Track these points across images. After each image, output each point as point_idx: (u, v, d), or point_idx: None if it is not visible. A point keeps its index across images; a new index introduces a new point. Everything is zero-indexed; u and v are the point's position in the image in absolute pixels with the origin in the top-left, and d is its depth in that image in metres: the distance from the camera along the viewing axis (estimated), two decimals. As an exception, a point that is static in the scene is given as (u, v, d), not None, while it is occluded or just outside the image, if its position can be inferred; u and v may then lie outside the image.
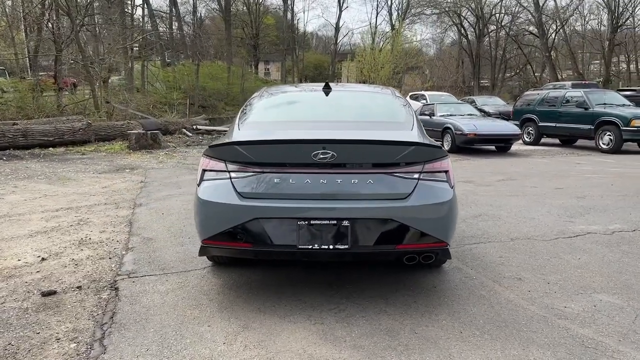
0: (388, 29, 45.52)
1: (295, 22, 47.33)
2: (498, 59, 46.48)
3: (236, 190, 3.06)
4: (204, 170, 3.22)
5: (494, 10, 44.59)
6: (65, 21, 18.44)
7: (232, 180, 3.10)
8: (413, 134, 3.36)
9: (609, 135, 12.02)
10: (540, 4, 38.25)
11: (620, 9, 38.28)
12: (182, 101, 22.14)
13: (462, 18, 45.79)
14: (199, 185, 3.21)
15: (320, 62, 52.09)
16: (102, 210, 5.92)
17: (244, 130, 3.47)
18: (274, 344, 2.76)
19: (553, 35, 41.06)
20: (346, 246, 2.97)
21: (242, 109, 4.01)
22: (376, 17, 77.26)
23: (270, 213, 2.99)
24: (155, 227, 5.20)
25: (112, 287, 3.62)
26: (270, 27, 45.74)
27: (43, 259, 4.23)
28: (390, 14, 46.98)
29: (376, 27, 45.70)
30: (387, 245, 3.01)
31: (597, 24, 41.74)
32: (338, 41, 46.72)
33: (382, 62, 25.51)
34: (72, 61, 18.10)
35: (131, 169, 9.43)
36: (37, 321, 3.04)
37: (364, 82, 25.69)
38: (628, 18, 39.18)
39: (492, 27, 46.04)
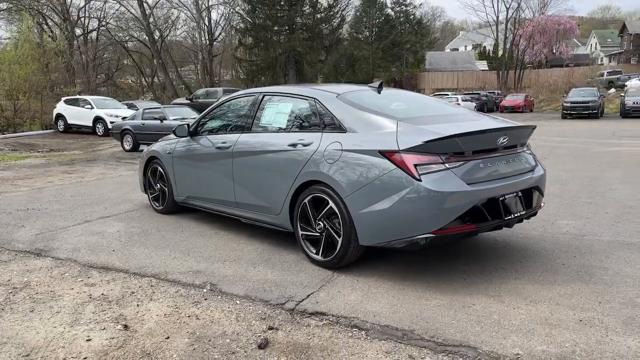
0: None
1: None
2: (90, 64, 45.20)
3: (461, 178, 3.37)
4: (416, 165, 3.32)
5: (80, 13, 43.34)
6: None
7: (452, 170, 3.37)
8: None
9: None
10: (147, 13, 39.77)
11: (214, 24, 44.03)
12: None
13: (46, 17, 42.27)
14: (418, 180, 3.28)
15: None
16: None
17: (419, 125, 3.58)
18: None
19: (160, 43, 43.38)
20: (523, 212, 3.77)
21: (339, 109, 3.90)
22: None
23: (488, 194, 3.47)
24: (160, 261, 4.13)
25: (307, 313, 3.14)
26: None
27: (126, 327, 3.03)
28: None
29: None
30: (533, 207, 3.96)
31: (198, 36, 46.42)
32: None
33: (13, 59, 21.38)
34: None
35: None
36: None
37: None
38: (220, 34, 45.40)
39: (82, 30, 44.54)
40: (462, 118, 4.04)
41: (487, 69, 54.18)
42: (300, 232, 4.03)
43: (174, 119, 12.81)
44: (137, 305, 3.34)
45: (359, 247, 3.66)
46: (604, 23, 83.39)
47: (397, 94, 4.74)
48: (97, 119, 19.22)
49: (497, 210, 3.55)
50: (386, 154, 3.43)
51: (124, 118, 16.25)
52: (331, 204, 3.72)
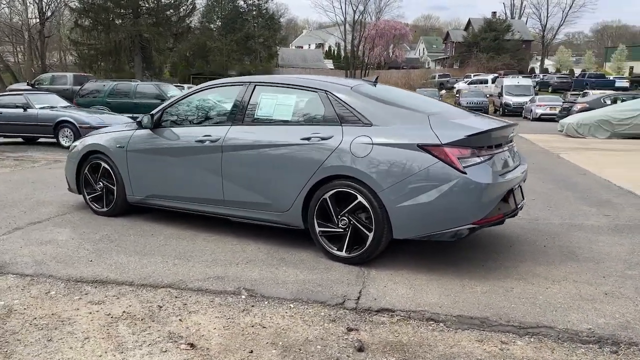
0: None
1: None
2: None
3: (494, 171, 3.56)
4: (459, 159, 3.42)
5: None
6: None
7: (486, 163, 3.55)
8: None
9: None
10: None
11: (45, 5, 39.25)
12: None
13: None
14: (464, 172, 3.38)
15: None
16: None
17: (449, 119, 3.69)
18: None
19: None
20: (523, 200, 4.12)
21: (359, 106, 3.82)
22: None
23: (509, 185, 3.72)
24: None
25: (373, 311, 3.06)
26: None
27: (192, 345, 2.65)
28: None
29: None
30: (524, 197, 4.31)
31: (24, 13, 40.83)
32: None
33: None
34: None
35: None
36: None
37: None
38: (54, 12, 40.60)
39: None
40: (465, 114, 4.27)
41: (333, 67, 56.89)
42: (318, 229, 3.88)
43: (41, 108, 11.19)
44: (180, 320, 2.93)
45: (388, 241, 3.66)
46: (426, 31, 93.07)
47: (393, 89, 4.80)
48: None
49: (513, 200, 3.84)
50: (426, 148, 3.48)
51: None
52: (360, 198, 3.65)
